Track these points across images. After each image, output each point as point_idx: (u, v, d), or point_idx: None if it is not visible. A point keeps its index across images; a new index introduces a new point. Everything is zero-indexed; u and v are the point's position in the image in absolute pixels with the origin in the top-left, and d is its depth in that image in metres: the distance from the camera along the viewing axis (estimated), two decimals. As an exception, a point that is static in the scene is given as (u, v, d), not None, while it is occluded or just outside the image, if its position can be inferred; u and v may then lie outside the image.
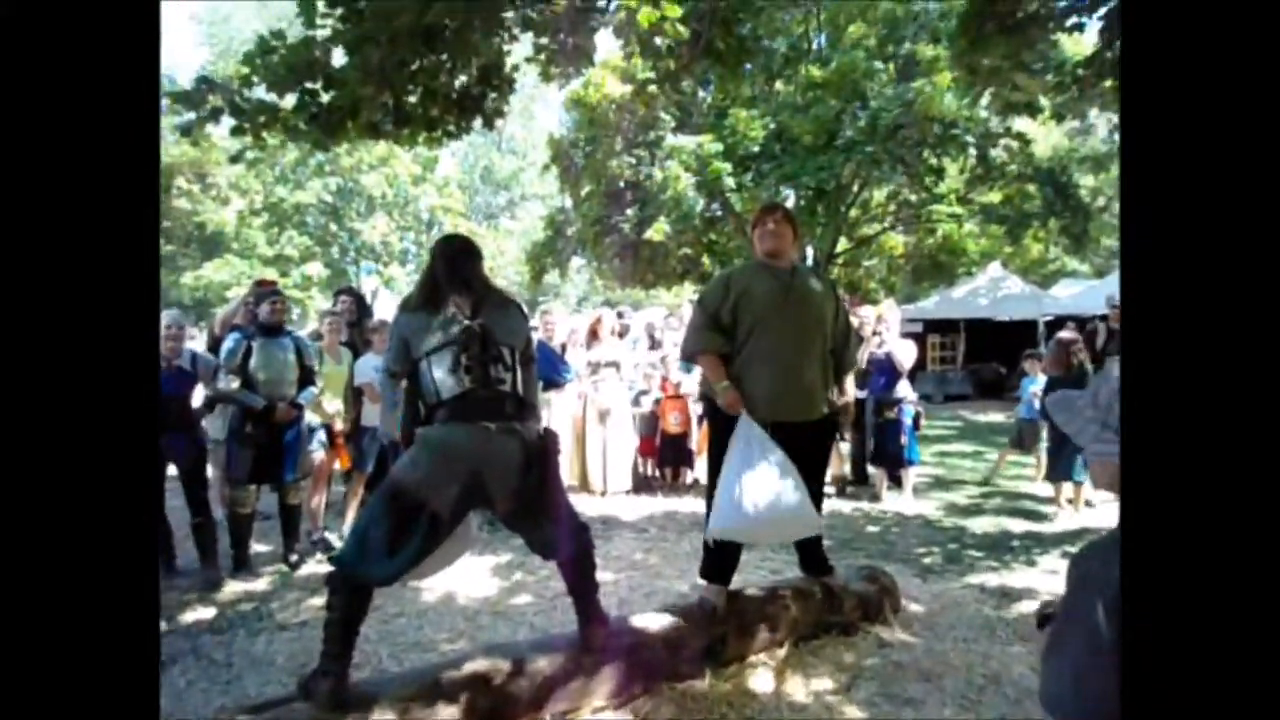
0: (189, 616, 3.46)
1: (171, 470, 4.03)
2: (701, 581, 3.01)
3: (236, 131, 4.41)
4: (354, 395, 4.88)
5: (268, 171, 26.80)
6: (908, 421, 5.76)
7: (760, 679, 2.75)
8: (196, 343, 5.76)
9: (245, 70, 4.02)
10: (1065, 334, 5.60)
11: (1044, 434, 6.40)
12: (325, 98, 4.29)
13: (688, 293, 17.57)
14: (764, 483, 2.71)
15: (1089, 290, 14.20)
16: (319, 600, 3.56)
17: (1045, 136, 16.88)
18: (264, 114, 4.30)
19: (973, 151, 12.61)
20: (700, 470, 6.08)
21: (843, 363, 3.12)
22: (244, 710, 2.09)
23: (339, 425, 4.70)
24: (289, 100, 4.31)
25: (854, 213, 14.67)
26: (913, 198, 14.08)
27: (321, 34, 4.05)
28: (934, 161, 12.68)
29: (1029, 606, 3.43)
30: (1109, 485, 1.02)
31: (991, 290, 15.01)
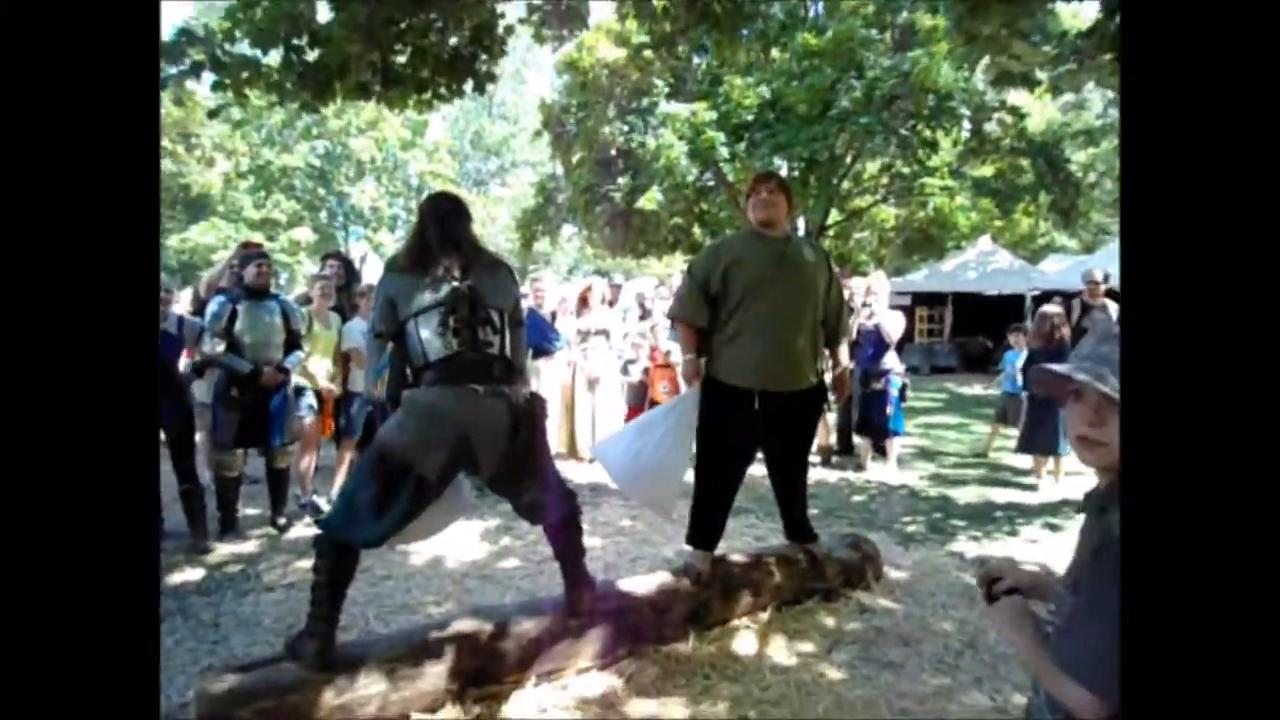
0: (177, 578, 3.46)
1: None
2: (687, 548, 3.04)
3: (217, 86, 4.31)
4: (342, 360, 4.86)
5: (254, 134, 26.34)
6: (894, 392, 5.80)
7: (743, 642, 2.80)
8: (181, 306, 5.70)
9: (227, 24, 3.92)
10: (1049, 307, 5.63)
11: (1024, 408, 6.48)
12: (311, 56, 4.20)
13: (678, 262, 17.52)
14: (659, 448, 2.85)
15: (1077, 265, 14.24)
16: (307, 563, 3.56)
17: (1039, 110, 16.79)
18: (247, 69, 4.21)
19: (967, 124, 12.55)
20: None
21: (836, 332, 3.14)
22: (231, 669, 2.10)
23: (328, 389, 4.68)
24: (274, 58, 4.22)
25: (846, 185, 14.60)
26: (905, 170, 14.01)
27: (306, -12, 3.95)
28: (928, 134, 12.60)
29: (1008, 574, 3.49)
30: (1093, 462, 1.02)
31: (981, 264, 15.05)
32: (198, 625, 2.93)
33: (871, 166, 15.06)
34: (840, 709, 2.34)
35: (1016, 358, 6.55)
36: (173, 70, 4.31)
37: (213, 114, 4.97)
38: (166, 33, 4.19)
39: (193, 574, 3.51)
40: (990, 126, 13.02)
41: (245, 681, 2.04)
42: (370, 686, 2.14)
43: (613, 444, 3.12)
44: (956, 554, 3.89)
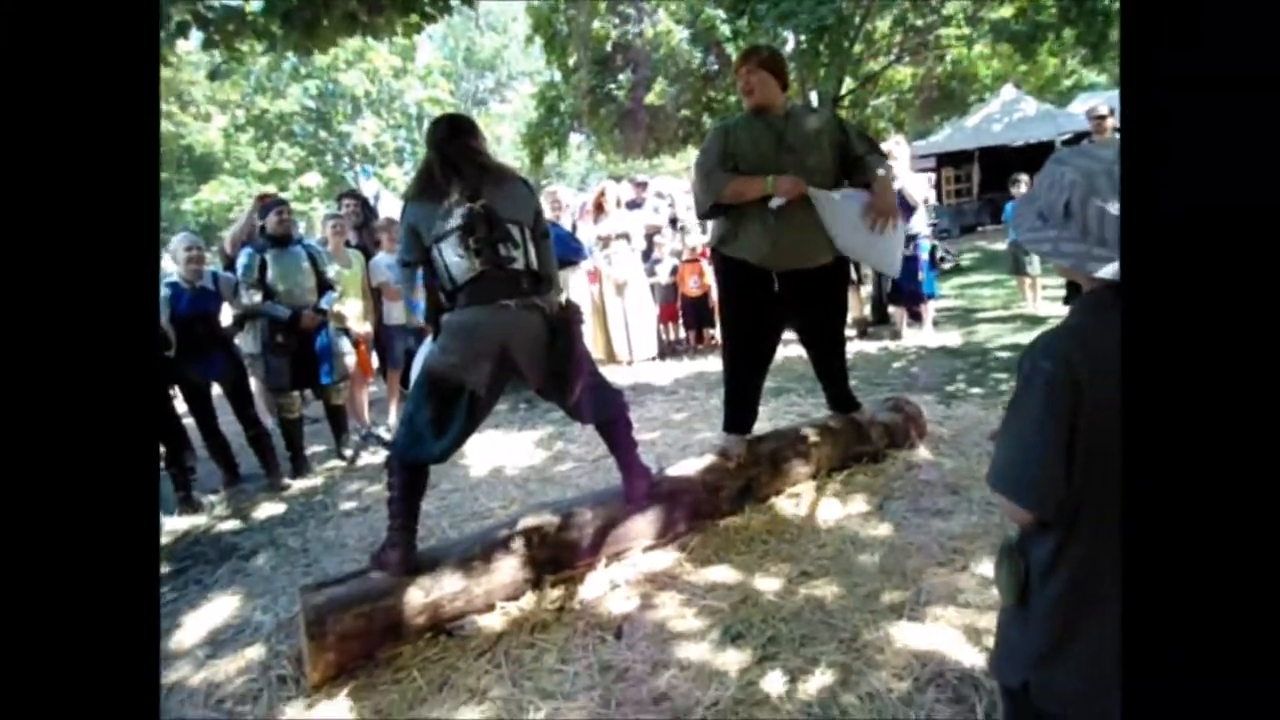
0: (262, 513, 3.71)
1: (216, 389, 4.20)
2: (723, 434, 3.12)
3: (208, 44, 4.25)
4: (374, 295, 4.96)
5: (243, 82, 25.82)
6: (924, 257, 5.73)
7: (796, 509, 2.93)
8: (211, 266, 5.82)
9: (203, -28, 3.82)
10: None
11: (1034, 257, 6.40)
12: (291, -7, 4.08)
13: (691, 157, 17.06)
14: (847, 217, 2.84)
15: (1109, 101, 13.50)
16: (376, 488, 3.81)
17: (1060, -66, 15.52)
18: (232, 21, 4.12)
19: (981, -40, 11.67)
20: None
21: (861, 172, 2.93)
22: (327, 584, 2.29)
23: (357, 328, 4.79)
24: (256, 3, 4.12)
25: (858, 49, 13.83)
26: (919, 22, 13.20)
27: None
28: (940, -23, 11.79)
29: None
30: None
31: (1006, 114, 14.38)
32: (289, 552, 3.17)
33: (883, 25, 14.20)
34: (894, 555, 2.47)
35: (1017, 207, 6.57)
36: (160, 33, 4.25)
37: (213, 75, 4.91)
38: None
39: (275, 509, 3.76)
40: (1007, -40, 12.10)
41: (342, 592, 2.23)
42: (454, 584, 2.31)
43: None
44: (998, 403, 3.94)
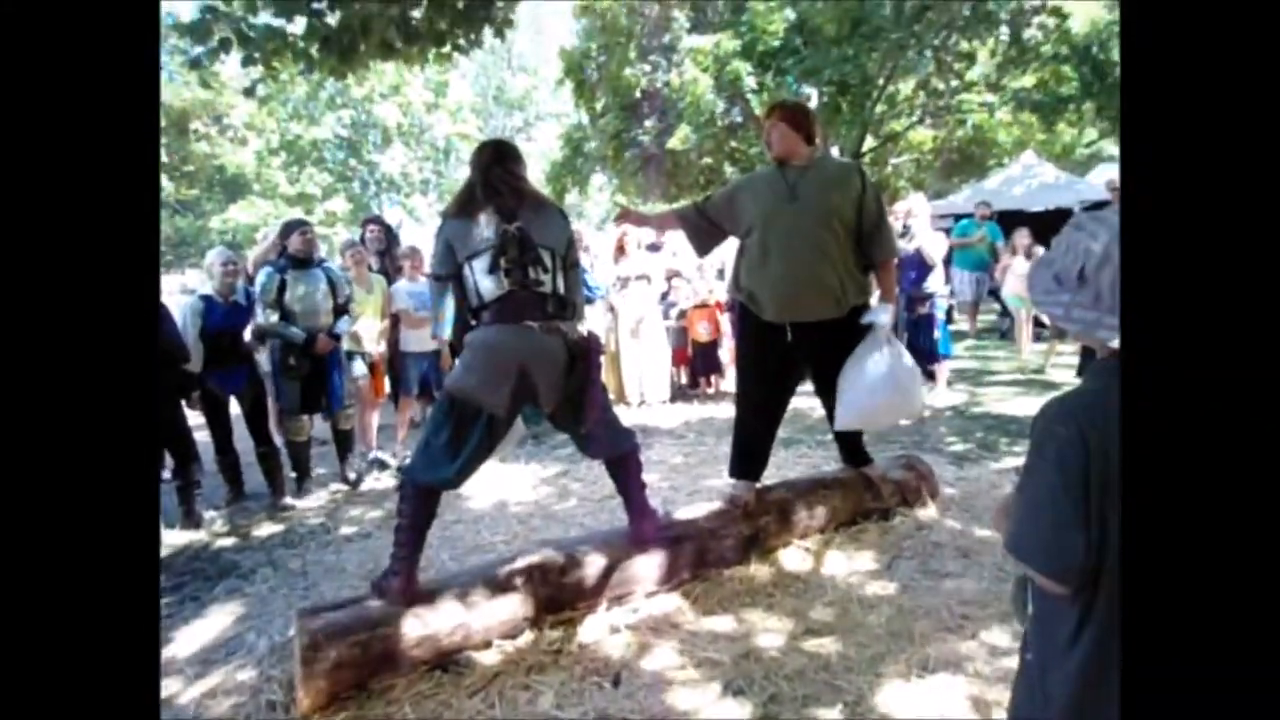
0: (263, 532, 3.69)
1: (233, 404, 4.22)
2: (730, 480, 3.09)
3: (247, 62, 4.37)
4: (391, 321, 4.99)
5: (280, 109, 26.50)
6: (940, 316, 5.72)
7: (803, 562, 2.88)
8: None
9: (250, -5, 3.95)
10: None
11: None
12: (333, 19, 4.22)
13: (711, 204, 17.25)
14: (871, 373, 2.84)
15: (1129, 173, 13.58)
16: (379, 513, 3.78)
17: (1082, 10, 15.87)
18: (273, 41, 4.25)
19: (1005, 31, 11.93)
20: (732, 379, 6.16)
21: (871, 252, 2.92)
22: (326, 608, 2.26)
23: (372, 350, 4.81)
24: (298, 25, 4.25)
25: (880, 108, 14.09)
26: (941, 87, 13.45)
27: (323, -50, 3.95)
28: (964, 45, 12.04)
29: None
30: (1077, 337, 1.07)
31: (1025, 179, 14.48)
32: (288, 574, 3.13)
33: (905, 87, 14.48)
34: (902, 617, 2.41)
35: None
36: (201, 49, 4.39)
37: (248, 91, 5.04)
38: (191, 12, 4.25)
39: (276, 528, 3.73)
40: (1030, 33, 12.35)
41: (340, 618, 2.19)
42: (453, 618, 2.27)
43: (850, 405, 2.93)
44: (1009, 469, 3.89)
